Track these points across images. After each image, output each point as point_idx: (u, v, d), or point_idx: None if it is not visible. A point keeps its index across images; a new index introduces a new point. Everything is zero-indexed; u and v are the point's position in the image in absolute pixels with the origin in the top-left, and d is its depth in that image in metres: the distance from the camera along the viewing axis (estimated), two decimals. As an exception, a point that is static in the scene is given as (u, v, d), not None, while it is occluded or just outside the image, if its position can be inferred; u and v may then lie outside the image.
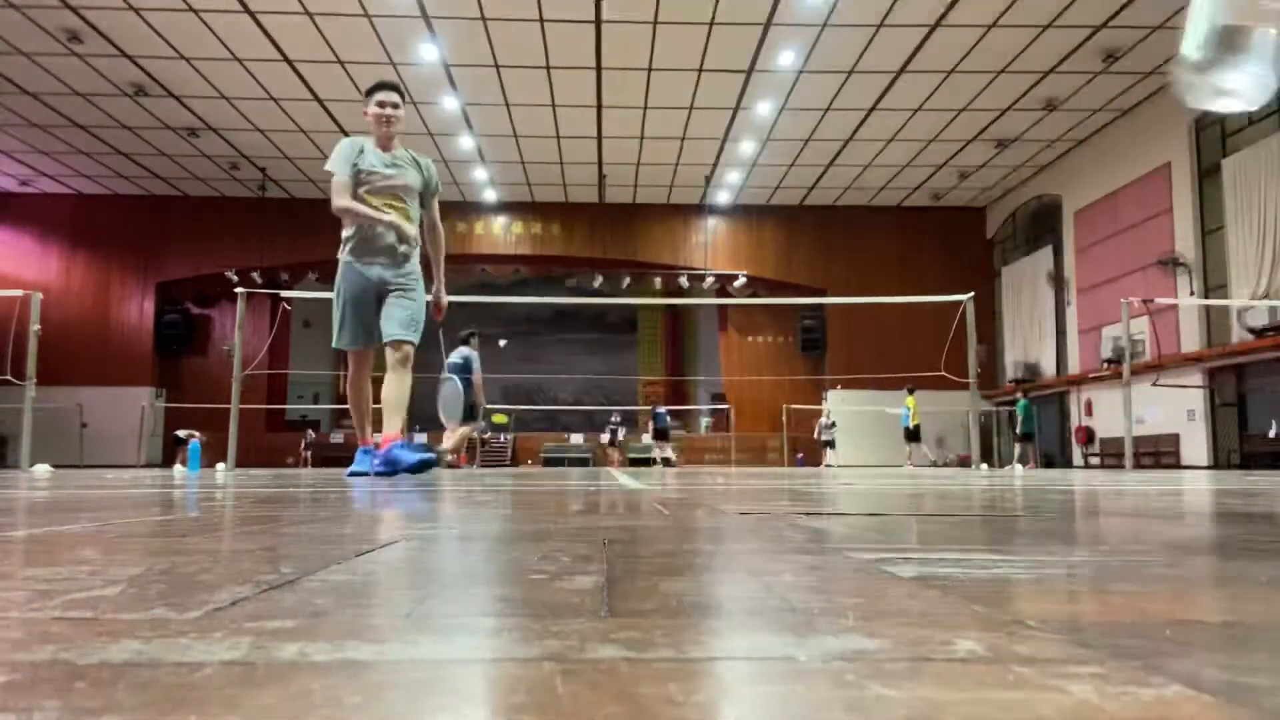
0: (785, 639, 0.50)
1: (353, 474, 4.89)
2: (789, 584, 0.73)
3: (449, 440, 10.37)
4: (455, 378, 9.08)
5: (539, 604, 0.63)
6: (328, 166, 4.61)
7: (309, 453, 20.93)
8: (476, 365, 10.34)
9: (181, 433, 17.75)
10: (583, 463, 20.62)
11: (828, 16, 13.31)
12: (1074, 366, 19.08)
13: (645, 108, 16.59)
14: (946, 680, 0.40)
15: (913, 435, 17.27)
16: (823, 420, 19.85)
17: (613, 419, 20.56)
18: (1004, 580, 0.76)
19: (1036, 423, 19.97)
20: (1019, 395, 17.61)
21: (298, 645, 0.48)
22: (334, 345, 4.76)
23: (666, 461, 18.67)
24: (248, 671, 0.42)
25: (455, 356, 10.32)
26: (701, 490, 3.21)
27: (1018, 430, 17.17)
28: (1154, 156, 16.36)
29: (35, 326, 9.80)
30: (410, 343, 4.65)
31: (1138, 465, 14.63)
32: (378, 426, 4.80)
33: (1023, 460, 16.62)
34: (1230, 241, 14.53)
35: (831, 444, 19.46)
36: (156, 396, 21.29)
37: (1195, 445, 15.38)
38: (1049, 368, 20.04)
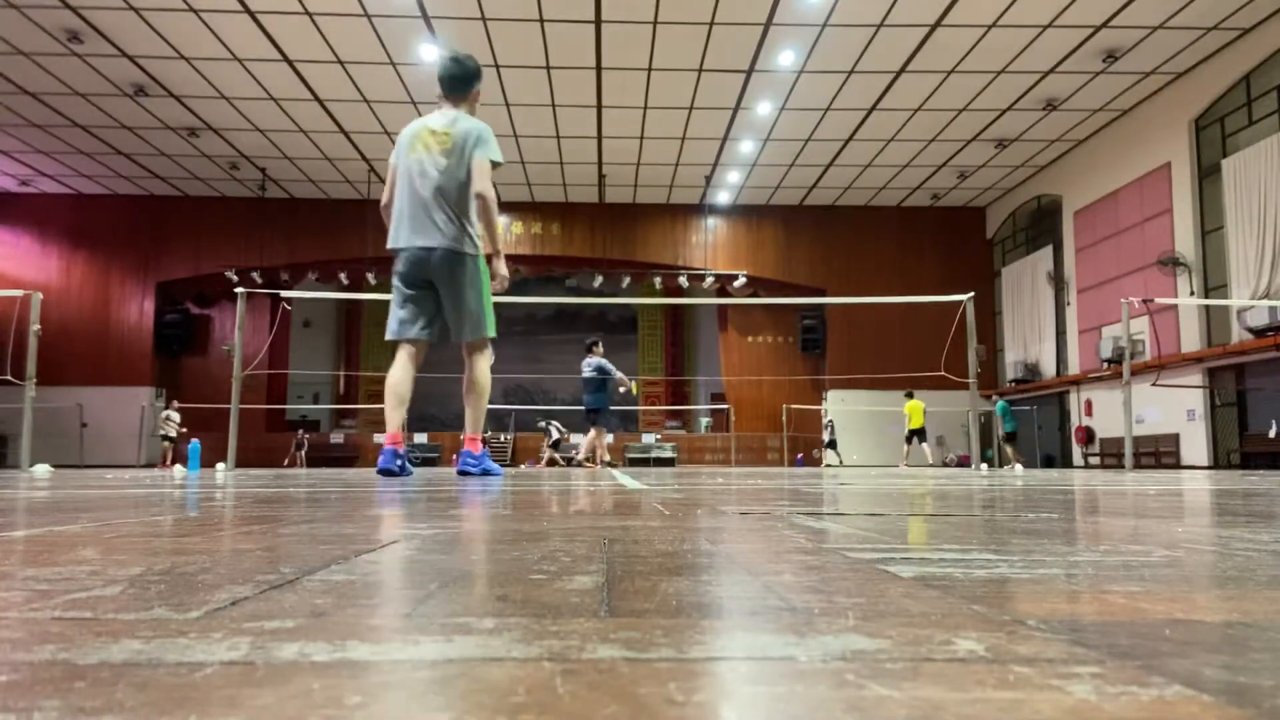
0: (785, 639, 0.50)
1: (469, 473, 4.50)
2: (789, 584, 0.73)
3: (602, 450, 11.67)
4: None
5: (539, 604, 0.63)
6: (498, 158, 4.43)
7: (302, 453, 20.81)
8: (611, 371, 11.62)
9: (164, 428, 17.66)
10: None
11: (828, 16, 13.31)
12: (1074, 366, 19.08)
13: (645, 108, 16.58)
14: (946, 680, 0.40)
15: (914, 436, 17.32)
16: (823, 421, 19.93)
17: (550, 422, 19.85)
18: (1004, 580, 0.76)
19: (1035, 421, 20.01)
20: (996, 397, 17.58)
21: (298, 645, 0.48)
22: (493, 334, 4.56)
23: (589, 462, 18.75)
24: (248, 671, 0.42)
25: (588, 369, 11.48)
26: (701, 490, 3.21)
27: (1001, 431, 17.25)
28: (1154, 156, 16.36)
29: (35, 326, 9.79)
30: None
31: (1138, 465, 14.64)
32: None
33: (1008, 461, 16.67)
34: (1230, 241, 14.53)
35: (832, 445, 19.50)
36: (156, 397, 21.29)
37: (1195, 445, 15.38)
38: (1049, 368, 20.03)
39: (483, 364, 4.52)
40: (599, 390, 11.75)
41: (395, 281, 4.44)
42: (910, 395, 17.68)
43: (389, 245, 4.42)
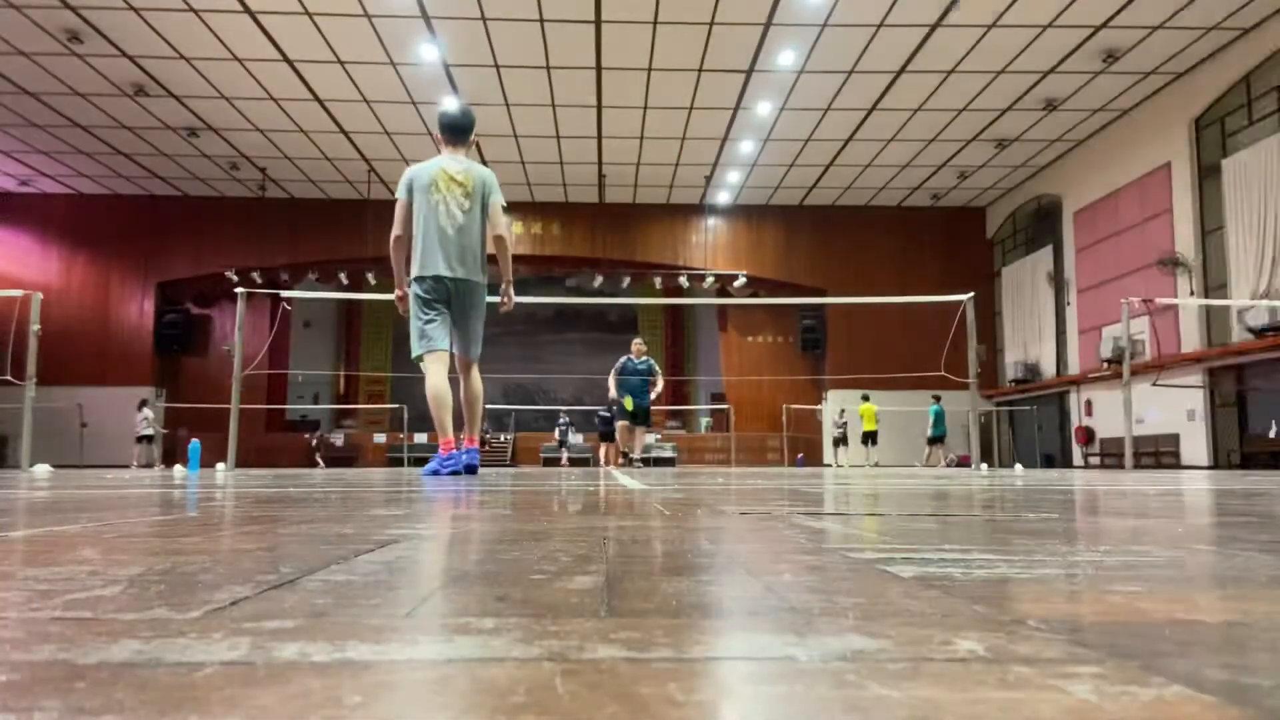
0: (785, 639, 0.50)
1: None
2: (789, 584, 0.73)
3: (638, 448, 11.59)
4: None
5: (539, 604, 0.63)
6: (504, 202, 5.16)
7: (319, 452, 20.96)
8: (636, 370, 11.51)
9: (141, 428, 17.56)
10: (583, 463, 20.61)
11: (828, 16, 13.31)
12: (1074, 366, 19.08)
13: (645, 108, 16.58)
14: (946, 680, 0.40)
15: (868, 438, 18.25)
16: (835, 418, 20.04)
17: (561, 420, 20.42)
18: (1004, 580, 0.76)
19: (1035, 421, 20.02)
20: (933, 400, 17.78)
21: (298, 645, 0.48)
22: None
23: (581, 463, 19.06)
24: (248, 671, 0.42)
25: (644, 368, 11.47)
26: (701, 490, 3.22)
27: (930, 433, 17.53)
28: (1154, 156, 16.36)
29: (35, 326, 9.79)
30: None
31: (1138, 465, 14.63)
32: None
33: (935, 462, 16.83)
34: (1230, 241, 14.53)
35: (843, 441, 19.62)
36: (157, 396, 21.29)
37: (1195, 445, 15.37)
38: (1049, 368, 20.03)
39: (478, 376, 5.24)
40: (648, 390, 11.66)
41: (419, 302, 4.86)
42: (866, 398, 18.45)
43: (418, 273, 4.86)
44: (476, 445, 5.19)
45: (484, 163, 5.33)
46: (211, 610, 0.59)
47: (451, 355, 5.06)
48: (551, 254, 22.43)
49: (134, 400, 20.70)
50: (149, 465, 16.99)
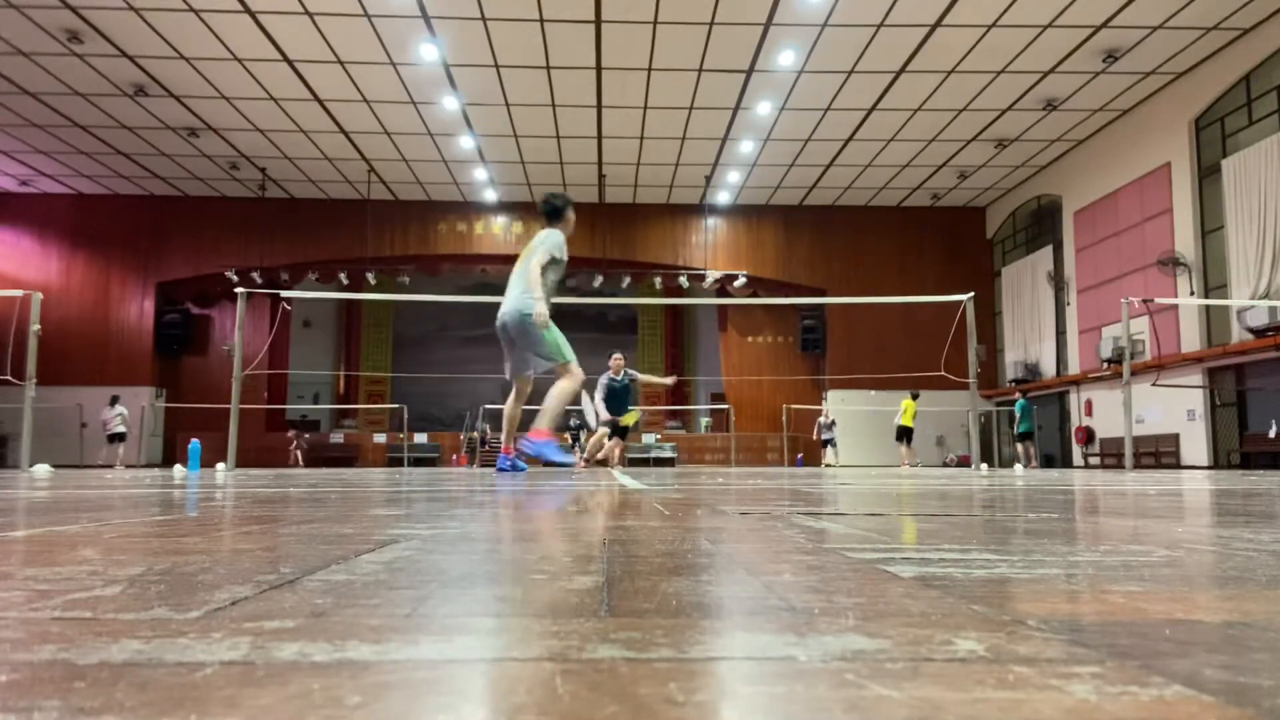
0: (785, 639, 0.50)
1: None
2: (789, 584, 0.73)
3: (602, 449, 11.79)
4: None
5: (539, 604, 0.63)
6: (543, 260, 6.00)
7: (299, 452, 20.60)
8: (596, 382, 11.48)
9: (114, 425, 17.40)
10: (595, 464, 20.55)
11: (828, 16, 13.31)
12: (1074, 366, 19.07)
13: (645, 108, 16.58)
14: (946, 680, 0.40)
15: (903, 434, 17.40)
16: (822, 419, 19.86)
17: (572, 423, 20.25)
18: (1004, 580, 0.76)
19: (1035, 421, 20.01)
20: (1017, 395, 17.59)
21: (298, 645, 0.48)
22: (568, 359, 6.16)
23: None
24: (248, 671, 0.42)
25: (625, 378, 11.54)
26: (701, 490, 3.22)
27: (1016, 430, 17.21)
28: (1154, 156, 16.36)
29: (35, 326, 9.80)
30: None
31: (1138, 465, 14.63)
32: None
33: (1025, 460, 16.65)
34: (1230, 241, 14.53)
35: (831, 443, 19.48)
36: (156, 396, 21.28)
37: (1195, 445, 15.38)
38: (1049, 368, 20.03)
39: (562, 382, 6.12)
40: (629, 402, 11.81)
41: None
42: (915, 396, 17.59)
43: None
44: (539, 435, 6.00)
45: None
46: (211, 610, 0.59)
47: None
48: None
49: (134, 400, 20.71)
50: (111, 465, 16.78)
